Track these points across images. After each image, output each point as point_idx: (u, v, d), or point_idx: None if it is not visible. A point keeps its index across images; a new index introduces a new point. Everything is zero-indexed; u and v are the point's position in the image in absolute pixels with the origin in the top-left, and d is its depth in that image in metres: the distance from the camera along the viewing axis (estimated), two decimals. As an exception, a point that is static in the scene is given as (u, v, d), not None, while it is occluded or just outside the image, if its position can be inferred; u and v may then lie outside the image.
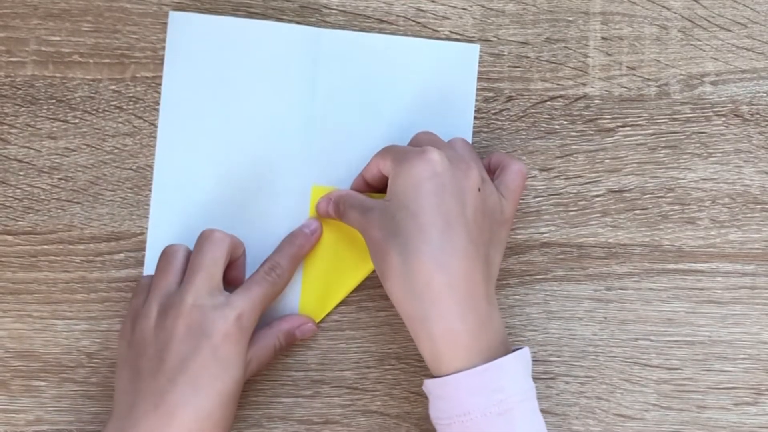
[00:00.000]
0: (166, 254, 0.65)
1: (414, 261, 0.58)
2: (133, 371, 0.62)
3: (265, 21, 0.68)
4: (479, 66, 0.68)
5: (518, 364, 0.59)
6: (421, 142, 0.63)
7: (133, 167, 0.68)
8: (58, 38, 0.68)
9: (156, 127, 0.68)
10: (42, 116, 0.68)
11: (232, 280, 0.66)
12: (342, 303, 0.68)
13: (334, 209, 0.66)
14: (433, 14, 0.68)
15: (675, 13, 0.68)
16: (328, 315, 0.68)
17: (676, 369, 0.68)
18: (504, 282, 0.68)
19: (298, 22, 0.68)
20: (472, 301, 0.59)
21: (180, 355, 0.60)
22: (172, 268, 0.64)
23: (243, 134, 0.68)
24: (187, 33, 0.68)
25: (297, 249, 0.66)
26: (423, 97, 0.68)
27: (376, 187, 0.66)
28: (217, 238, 0.63)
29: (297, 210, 0.67)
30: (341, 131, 0.68)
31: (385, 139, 0.67)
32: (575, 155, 0.68)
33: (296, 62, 0.68)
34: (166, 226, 0.67)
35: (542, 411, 0.65)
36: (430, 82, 0.68)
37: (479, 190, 0.61)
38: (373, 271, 0.67)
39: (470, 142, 0.68)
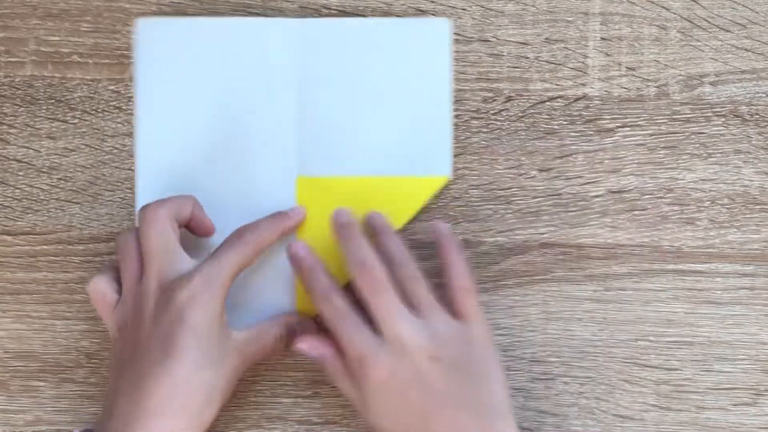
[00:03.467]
0: (120, 244, 0.63)
1: None
2: (117, 366, 0.61)
3: (234, 17, 0.67)
4: (479, 66, 0.68)
5: None
6: (355, 349, 0.61)
7: (133, 167, 0.68)
8: (57, 38, 0.68)
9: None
10: (41, 116, 0.68)
11: (203, 234, 0.65)
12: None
13: (321, 367, 0.64)
14: (432, 14, 0.68)
15: (674, 13, 0.68)
16: (327, 315, 0.68)
17: (676, 369, 0.68)
18: (503, 283, 0.68)
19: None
20: None
21: (157, 337, 0.60)
22: (131, 255, 0.62)
23: (223, 129, 0.67)
24: (157, 39, 0.67)
25: (277, 223, 0.65)
26: (400, 76, 0.67)
27: None
28: (152, 211, 0.62)
29: (281, 201, 0.67)
30: (322, 121, 0.67)
31: (366, 123, 0.67)
32: (574, 155, 0.68)
33: (269, 55, 0.67)
34: None
35: (541, 411, 0.65)
36: (405, 61, 0.67)
37: (431, 358, 0.60)
38: None
39: (449, 120, 0.67)
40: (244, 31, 0.67)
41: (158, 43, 0.67)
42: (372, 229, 0.65)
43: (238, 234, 0.63)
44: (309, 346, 0.64)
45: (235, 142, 0.67)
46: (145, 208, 0.63)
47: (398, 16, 0.68)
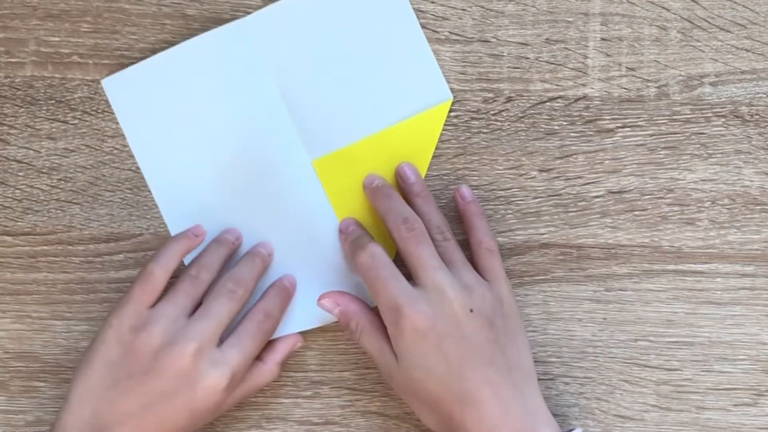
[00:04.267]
0: (187, 276, 0.64)
1: (445, 416, 0.60)
2: (110, 371, 0.61)
3: (188, 40, 0.67)
4: (479, 67, 0.68)
5: None
6: (392, 298, 0.61)
7: (133, 168, 0.68)
8: (57, 39, 0.68)
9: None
10: (41, 117, 0.68)
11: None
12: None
13: (343, 321, 0.65)
14: (432, 15, 0.68)
15: (674, 14, 0.68)
16: (327, 316, 0.68)
17: (676, 370, 0.68)
18: (503, 283, 0.68)
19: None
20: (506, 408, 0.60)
21: (164, 388, 0.61)
22: (185, 295, 0.63)
23: (224, 144, 0.67)
24: (127, 90, 0.67)
25: (283, 300, 0.66)
26: (365, 29, 0.67)
27: None
28: (239, 298, 0.64)
29: (308, 190, 0.67)
30: (312, 99, 0.67)
31: (353, 84, 0.67)
32: (575, 156, 0.68)
33: (236, 60, 0.67)
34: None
35: (541, 412, 0.65)
36: (364, 12, 0.67)
37: (471, 311, 0.61)
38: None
39: (427, 47, 0.67)
40: (202, 49, 0.67)
41: (130, 93, 0.68)
42: (407, 192, 0.66)
43: (263, 319, 0.64)
44: (332, 302, 0.65)
45: (240, 151, 0.67)
46: (217, 294, 0.63)
47: (398, 16, 0.68)
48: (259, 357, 0.65)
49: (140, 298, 0.62)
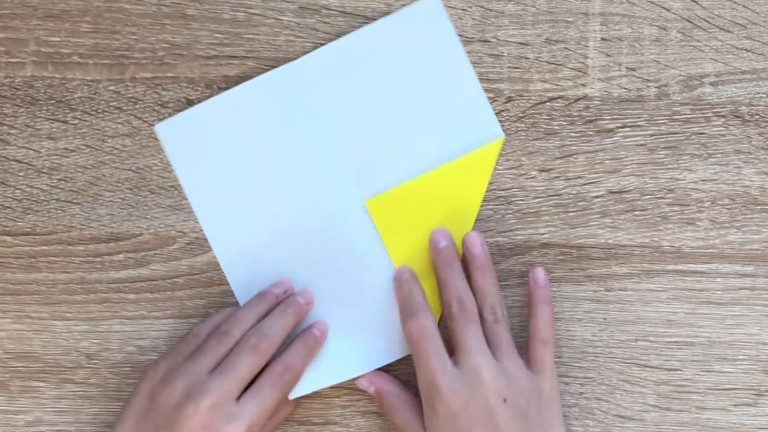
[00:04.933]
0: (217, 333, 0.64)
1: None
2: (140, 425, 0.62)
3: (240, 85, 0.67)
4: (479, 67, 0.68)
5: None
6: (429, 379, 0.62)
7: (133, 168, 0.68)
8: (57, 39, 0.68)
9: (152, 127, 0.68)
10: (41, 117, 0.68)
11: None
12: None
13: (376, 395, 0.66)
14: (432, 15, 0.68)
15: (674, 14, 0.68)
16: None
17: (676, 370, 0.68)
18: (504, 283, 0.68)
19: (297, 23, 0.68)
20: None
21: None
22: (211, 351, 0.63)
23: (279, 184, 0.67)
24: (182, 134, 0.68)
25: (309, 350, 0.66)
26: (414, 67, 0.67)
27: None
28: (262, 352, 0.63)
29: (361, 231, 0.67)
30: (363, 140, 0.67)
31: (404, 123, 0.67)
32: (575, 156, 0.68)
33: (288, 105, 0.67)
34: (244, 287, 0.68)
35: (542, 412, 0.65)
36: (412, 51, 0.67)
37: (505, 400, 0.61)
38: None
39: (478, 85, 0.67)
40: (254, 93, 0.67)
41: (183, 138, 0.68)
42: (469, 261, 0.66)
43: (282, 371, 0.64)
44: (368, 381, 0.66)
45: (294, 194, 0.67)
46: (256, 343, 0.63)
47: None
48: None
49: (180, 351, 0.64)
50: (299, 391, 0.66)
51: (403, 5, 0.68)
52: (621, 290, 0.68)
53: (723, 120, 0.68)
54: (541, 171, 0.68)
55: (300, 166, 0.67)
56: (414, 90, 0.68)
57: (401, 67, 0.68)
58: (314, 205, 0.67)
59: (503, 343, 0.63)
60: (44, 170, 0.68)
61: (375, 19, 0.68)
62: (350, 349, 0.67)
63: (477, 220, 0.68)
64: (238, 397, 0.62)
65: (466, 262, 0.66)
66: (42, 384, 0.68)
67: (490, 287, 0.65)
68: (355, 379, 0.66)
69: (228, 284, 0.68)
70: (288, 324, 0.65)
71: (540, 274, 0.66)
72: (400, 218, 0.67)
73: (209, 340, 0.64)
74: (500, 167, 0.68)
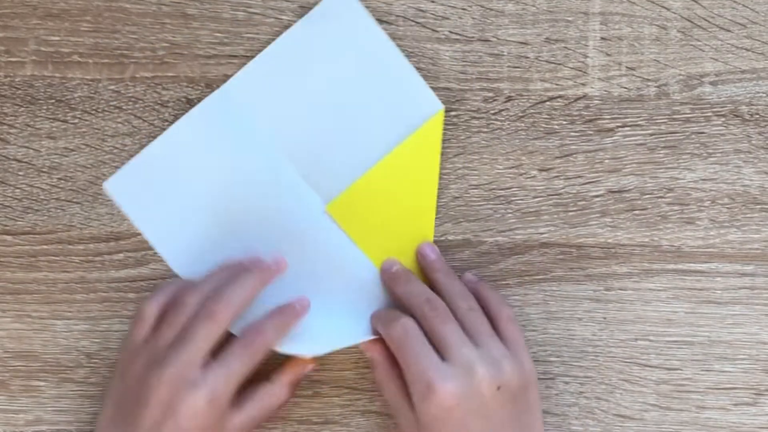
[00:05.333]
0: (174, 305, 0.63)
1: None
2: (117, 409, 0.62)
3: (176, 122, 0.67)
4: (479, 66, 0.68)
5: None
6: (423, 372, 0.61)
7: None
8: (57, 38, 0.68)
9: (155, 127, 0.68)
10: (41, 116, 0.68)
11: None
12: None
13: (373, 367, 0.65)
14: (432, 14, 0.68)
15: (674, 13, 0.68)
16: (327, 315, 0.68)
17: (676, 369, 0.68)
18: (503, 282, 0.68)
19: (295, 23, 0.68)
20: None
21: (152, 420, 0.60)
22: (173, 323, 0.62)
23: (238, 209, 0.67)
24: (132, 185, 0.67)
25: (284, 320, 0.64)
26: (340, 62, 0.67)
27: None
28: (219, 317, 0.62)
29: (332, 235, 0.67)
30: (313, 147, 0.67)
31: (352, 123, 0.67)
32: (574, 155, 0.68)
33: (231, 125, 0.67)
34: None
35: (542, 411, 0.65)
36: (334, 46, 0.67)
37: (498, 388, 0.61)
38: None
39: (407, 63, 0.67)
40: (192, 127, 0.67)
41: (134, 189, 0.67)
42: (428, 269, 0.66)
43: (250, 340, 0.62)
44: (367, 346, 0.65)
45: (257, 219, 0.67)
46: (215, 303, 0.62)
47: (398, 15, 0.68)
48: (267, 378, 0.65)
49: (137, 332, 0.64)
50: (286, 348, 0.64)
51: (403, 5, 0.68)
52: (621, 289, 0.68)
53: (723, 119, 0.68)
54: (541, 170, 0.68)
55: (255, 186, 0.67)
56: (347, 83, 0.67)
57: (329, 64, 0.67)
58: (278, 223, 0.67)
59: (483, 331, 0.63)
60: (44, 169, 0.68)
61: (375, 18, 0.68)
62: (332, 325, 0.66)
63: (477, 219, 0.68)
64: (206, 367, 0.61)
65: (425, 273, 0.66)
66: (42, 383, 0.68)
67: (454, 284, 0.65)
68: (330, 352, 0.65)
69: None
70: (251, 287, 0.63)
71: (469, 276, 0.67)
72: (364, 214, 0.67)
73: (166, 314, 0.63)
74: (500, 167, 0.68)
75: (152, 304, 0.64)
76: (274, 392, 0.65)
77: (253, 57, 0.68)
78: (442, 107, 0.67)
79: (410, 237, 0.67)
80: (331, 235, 0.67)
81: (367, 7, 0.68)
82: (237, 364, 0.61)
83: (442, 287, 0.65)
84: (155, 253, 0.68)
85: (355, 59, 0.67)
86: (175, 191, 0.67)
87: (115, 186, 0.67)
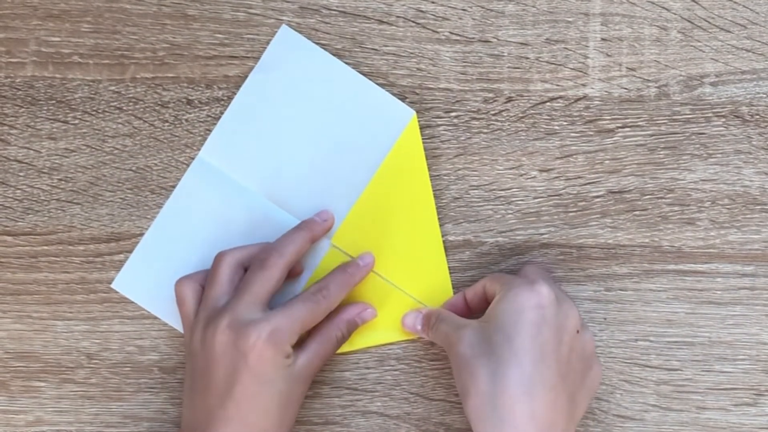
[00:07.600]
0: (218, 262, 0.64)
1: (502, 384, 0.58)
2: (191, 383, 0.62)
3: (162, 208, 0.68)
4: (479, 67, 0.68)
5: None
6: (530, 274, 0.63)
7: (133, 168, 0.68)
8: (57, 39, 0.68)
9: (156, 128, 0.68)
10: (42, 117, 0.68)
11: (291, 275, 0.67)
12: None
13: (424, 322, 0.66)
14: (432, 15, 0.68)
15: (675, 14, 0.68)
16: (327, 316, 0.68)
17: (676, 370, 0.68)
18: (504, 283, 0.68)
19: (297, 23, 0.68)
20: None
21: (223, 374, 0.60)
22: (221, 279, 0.63)
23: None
24: (138, 278, 0.68)
25: (348, 277, 0.65)
26: (307, 97, 0.68)
27: (472, 308, 0.66)
28: (271, 265, 0.63)
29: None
30: (300, 188, 0.67)
31: (331, 154, 0.67)
32: (575, 156, 0.68)
33: (215, 191, 0.68)
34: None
35: (542, 412, 0.65)
36: (296, 83, 0.68)
37: (578, 332, 0.61)
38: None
39: (367, 81, 0.67)
40: (179, 208, 0.68)
41: (141, 280, 0.68)
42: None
43: (315, 290, 0.63)
44: (414, 314, 0.67)
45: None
46: (266, 254, 0.63)
47: (398, 16, 0.68)
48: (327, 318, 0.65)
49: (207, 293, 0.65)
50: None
51: (403, 5, 0.68)
52: (621, 290, 0.68)
53: (723, 120, 0.68)
54: (541, 171, 0.68)
55: (258, 239, 0.67)
56: (317, 117, 0.68)
57: (294, 104, 0.68)
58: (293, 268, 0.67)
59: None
60: (45, 170, 0.68)
61: (375, 19, 0.68)
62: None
63: (477, 220, 0.68)
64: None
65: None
66: (42, 384, 0.68)
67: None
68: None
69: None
70: (301, 239, 0.65)
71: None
72: (369, 236, 0.67)
73: (206, 288, 0.64)
74: (500, 167, 0.68)
75: (186, 283, 0.65)
76: (333, 326, 0.65)
77: (253, 57, 0.68)
78: (413, 113, 0.68)
79: (419, 244, 0.68)
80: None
81: (367, 8, 0.68)
82: (298, 309, 0.62)
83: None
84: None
85: (318, 92, 0.68)
86: (180, 271, 0.67)
87: (122, 283, 0.68)
